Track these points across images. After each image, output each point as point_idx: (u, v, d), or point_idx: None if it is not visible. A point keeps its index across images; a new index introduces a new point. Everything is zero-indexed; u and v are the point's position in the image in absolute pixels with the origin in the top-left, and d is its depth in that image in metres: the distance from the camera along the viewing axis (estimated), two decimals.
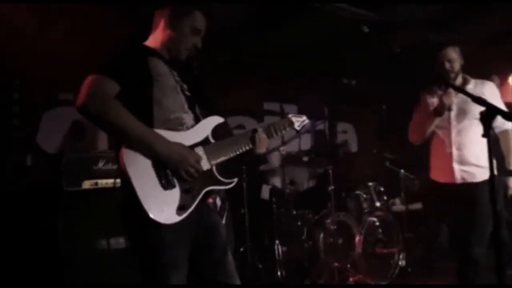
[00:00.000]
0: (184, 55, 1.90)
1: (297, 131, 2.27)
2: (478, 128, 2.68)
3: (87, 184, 3.19)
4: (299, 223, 4.24)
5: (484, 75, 4.75)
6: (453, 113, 2.86)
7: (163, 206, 1.62)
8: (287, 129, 2.15)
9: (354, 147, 6.16)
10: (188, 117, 1.83)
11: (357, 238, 3.91)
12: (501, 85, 5.36)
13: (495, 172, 2.59)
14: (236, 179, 1.87)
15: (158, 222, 1.59)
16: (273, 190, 4.65)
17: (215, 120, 1.89)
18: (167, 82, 1.79)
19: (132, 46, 1.85)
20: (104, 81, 1.63)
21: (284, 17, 4.12)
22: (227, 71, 4.64)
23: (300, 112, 5.67)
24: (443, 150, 2.90)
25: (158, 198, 1.62)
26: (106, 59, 1.72)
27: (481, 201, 2.71)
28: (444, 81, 2.76)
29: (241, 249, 4.00)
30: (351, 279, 3.79)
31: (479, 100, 1.73)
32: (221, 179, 1.83)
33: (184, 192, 1.69)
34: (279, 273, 4.01)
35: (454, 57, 2.85)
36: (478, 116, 2.64)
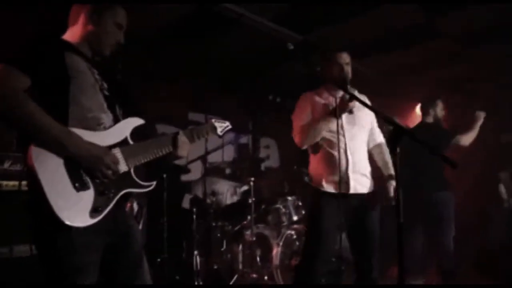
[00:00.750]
0: (108, 51, 1.86)
1: (219, 136, 2.23)
2: (365, 137, 2.91)
3: None
4: (218, 235, 4.25)
5: (397, 101, 5.21)
6: (344, 118, 2.75)
7: (75, 208, 1.53)
8: (210, 133, 2.13)
9: (276, 162, 6.33)
10: (107, 117, 1.76)
11: (274, 250, 3.98)
12: (409, 113, 5.87)
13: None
14: (154, 183, 1.81)
15: (68, 225, 1.49)
16: (194, 200, 4.61)
17: (135, 121, 1.84)
18: (86, 79, 1.72)
19: (48, 39, 1.73)
20: (13, 73, 1.53)
21: (213, 29, 4.18)
22: (153, 78, 4.57)
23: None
24: (334, 157, 2.72)
25: (69, 199, 1.52)
26: (18, 50, 1.61)
27: (372, 214, 2.75)
28: (345, 85, 2.67)
29: (158, 260, 3.90)
30: None
31: (383, 116, 1.85)
32: (139, 181, 1.77)
33: (98, 194, 1.61)
34: (196, 283, 3.97)
35: (348, 61, 2.83)
36: (365, 124, 2.79)
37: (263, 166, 6.02)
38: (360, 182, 2.77)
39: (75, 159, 1.56)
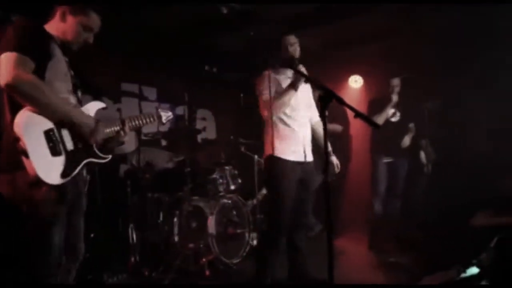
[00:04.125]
0: (75, 47, 2.17)
1: (162, 124, 2.71)
2: (309, 113, 3.38)
3: None
4: (154, 207, 4.20)
5: (332, 76, 5.42)
6: (298, 95, 3.14)
7: (49, 168, 1.88)
8: (153, 121, 2.51)
9: (212, 134, 6.32)
10: (73, 99, 2.14)
11: (209, 220, 4.02)
12: (342, 87, 6.12)
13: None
14: (110, 156, 2.20)
15: (44, 181, 1.83)
16: (129, 172, 4.51)
17: (98, 105, 2.27)
18: (60, 66, 2.04)
19: (40, 26, 2.06)
20: (23, 60, 1.84)
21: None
22: (85, 48, 4.33)
23: (159, 96, 5.61)
24: (294, 130, 3.20)
25: (46, 161, 1.88)
26: (18, 35, 1.88)
27: (315, 178, 3.41)
28: (293, 63, 3.00)
29: (92, 235, 3.79)
30: (204, 259, 3.90)
31: (321, 86, 1.93)
32: (99, 153, 2.15)
33: (68, 160, 1.97)
34: (132, 259, 3.92)
35: (294, 41, 3.24)
36: (308, 101, 3.22)
37: (199, 137, 5.99)
38: (310, 152, 3.30)
39: (77, 128, 2.01)
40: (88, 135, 2.05)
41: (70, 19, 2.10)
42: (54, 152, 1.92)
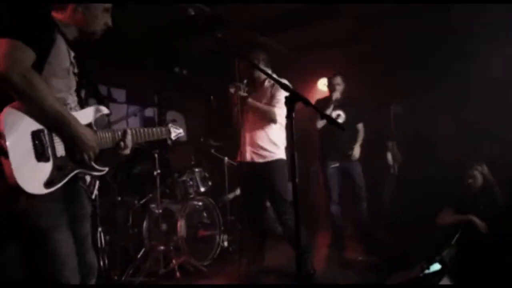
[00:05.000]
0: (99, 34, 1.98)
1: (171, 142, 2.45)
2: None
3: None
4: (123, 210, 4.14)
5: (300, 79, 5.50)
6: None
7: (31, 175, 1.62)
8: (162, 136, 2.27)
9: (182, 136, 6.26)
10: (72, 99, 1.87)
11: (179, 222, 4.00)
12: (312, 88, 6.22)
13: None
14: (107, 169, 1.93)
15: (22, 189, 1.57)
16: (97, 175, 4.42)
17: (101, 110, 1.96)
18: (62, 62, 1.80)
19: (46, 14, 1.80)
20: (23, 50, 1.60)
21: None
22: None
23: (128, 97, 5.52)
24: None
25: (29, 167, 1.62)
26: (20, 21, 1.65)
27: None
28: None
29: None
30: (174, 261, 3.88)
31: (287, 87, 1.97)
32: (94, 165, 1.86)
33: (56, 168, 1.70)
34: (101, 263, 3.85)
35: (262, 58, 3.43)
36: None
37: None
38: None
39: (74, 138, 1.73)
40: (82, 148, 1.77)
41: (88, 5, 1.89)
42: (41, 156, 1.64)
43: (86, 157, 1.79)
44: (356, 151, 4.40)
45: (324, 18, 4.82)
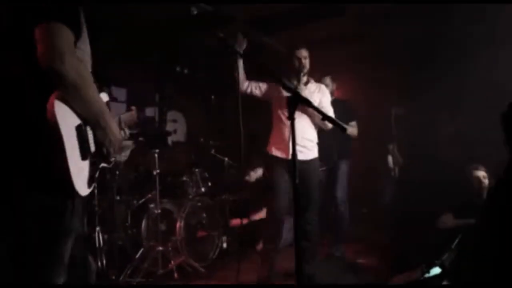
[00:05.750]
0: None
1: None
2: None
3: None
4: (122, 209, 4.12)
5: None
6: None
7: (79, 175, 1.45)
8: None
9: (182, 137, 6.26)
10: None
11: (178, 222, 3.98)
12: None
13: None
14: (115, 158, 1.80)
15: (68, 190, 1.41)
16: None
17: (104, 98, 1.76)
18: (87, 48, 1.66)
19: None
20: (68, 34, 1.40)
21: None
22: None
23: (129, 96, 5.50)
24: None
25: (76, 165, 1.44)
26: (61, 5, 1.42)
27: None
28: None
29: None
30: (172, 262, 3.86)
31: (288, 88, 1.96)
32: (108, 158, 1.75)
33: (91, 164, 1.58)
34: (99, 263, 3.83)
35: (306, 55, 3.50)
36: None
37: (169, 140, 5.92)
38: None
39: (103, 132, 1.58)
40: (113, 142, 1.65)
41: None
42: (84, 154, 1.51)
43: (112, 150, 1.68)
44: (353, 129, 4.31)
45: (324, 17, 4.79)
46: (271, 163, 3.53)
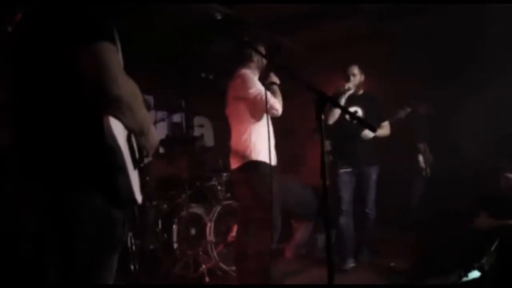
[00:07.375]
0: None
1: None
2: None
3: None
4: (153, 214, 4.17)
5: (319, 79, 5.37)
6: None
7: (136, 184, 1.46)
8: None
9: (210, 142, 6.29)
10: None
11: (208, 227, 4.00)
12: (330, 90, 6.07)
13: None
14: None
15: (127, 201, 1.41)
16: None
17: None
18: (121, 61, 1.56)
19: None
20: (115, 52, 1.37)
21: (142, 3, 4.00)
22: None
23: (156, 103, 5.57)
24: None
25: (133, 176, 1.45)
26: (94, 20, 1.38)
27: None
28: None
29: None
30: (203, 266, 3.87)
31: (314, 89, 1.91)
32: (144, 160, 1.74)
33: (139, 171, 1.56)
34: (132, 267, 3.88)
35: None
36: None
37: (197, 145, 5.96)
38: None
39: (146, 140, 1.58)
40: (153, 147, 1.66)
41: None
42: (135, 163, 1.49)
43: (152, 152, 1.66)
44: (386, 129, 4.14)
45: (343, 16, 4.71)
46: None
